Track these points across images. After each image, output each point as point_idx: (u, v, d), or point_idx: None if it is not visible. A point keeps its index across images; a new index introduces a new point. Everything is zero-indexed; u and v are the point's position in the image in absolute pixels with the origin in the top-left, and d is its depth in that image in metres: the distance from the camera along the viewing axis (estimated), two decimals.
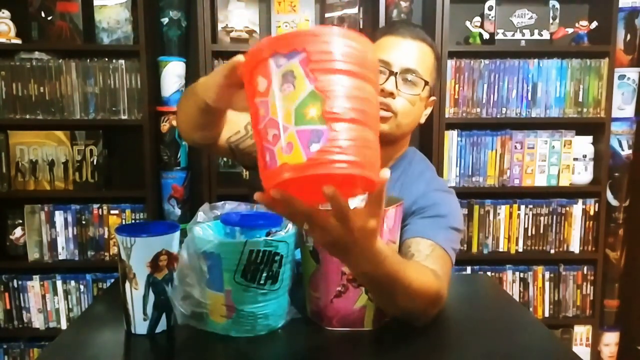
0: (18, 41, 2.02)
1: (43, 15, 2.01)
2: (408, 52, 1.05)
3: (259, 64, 0.56)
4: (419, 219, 1.00)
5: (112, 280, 1.45)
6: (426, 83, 1.06)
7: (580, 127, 2.15)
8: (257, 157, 0.58)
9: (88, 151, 2.07)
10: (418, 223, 0.99)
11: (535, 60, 2.10)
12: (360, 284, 0.84)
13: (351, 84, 0.55)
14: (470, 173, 2.13)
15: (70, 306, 2.12)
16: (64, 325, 2.13)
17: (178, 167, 2.12)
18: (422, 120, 1.13)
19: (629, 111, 2.16)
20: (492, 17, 2.07)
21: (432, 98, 1.13)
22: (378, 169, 0.58)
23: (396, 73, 1.03)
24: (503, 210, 2.15)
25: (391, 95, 1.02)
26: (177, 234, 0.85)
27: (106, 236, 2.10)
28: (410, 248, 0.94)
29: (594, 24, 2.09)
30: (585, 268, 2.19)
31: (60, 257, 2.09)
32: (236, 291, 0.82)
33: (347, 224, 0.61)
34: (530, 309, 2.19)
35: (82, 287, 2.11)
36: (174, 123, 2.08)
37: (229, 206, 0.94)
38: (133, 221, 2.10)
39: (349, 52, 0.55)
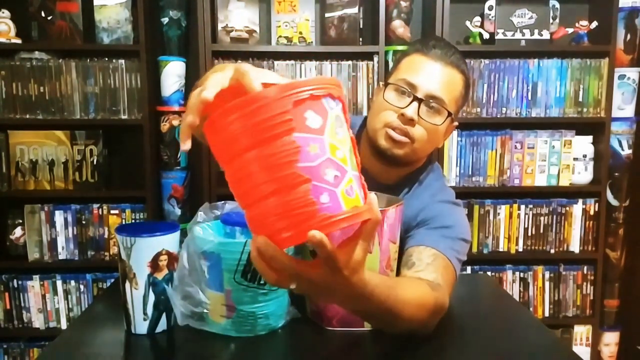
0: (18, 41, 2.02)
1: (43, 15, 2.01)
2: (437, 78, 0.99)
3: (306, 100, 0.53)
4: (423, 230, 0.97)
5: (112, 280, 1.45)
6: (449, 114, 1.00)
7: (580, 127, 2.15)
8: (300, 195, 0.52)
9: (88, 151, 2.07)
10: (422, 233, 0.97)
11: (535, 60, 2.10)
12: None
13: None
14: (470, 173, 2.13)
15: (70, 306, 2.12)
16: (64, 325, 2.13)
17: (178, 167, 2.12)
18: (441, 144, 1.08)
19: (629, 111, 2.16)
20: (492, 17, 2.07)
21: (455, 123, 1.07)
22: None
23: (421, 100, 0.97)
24: (503, 210, 2.15)
25: (411, 122, 0.97)
26: (177, 234, 0.85)
27: (106, 236, 2.10)
28: (411, 257, 0.92)
29: (594, 24, 2.08)
30: (585, 268, 2.19)
31: (60, 257, 2.09)
32: (236, 291, 0.82)
33: (336, 265, 0.56)
34: (530, 309, 2.19)
35: (82, 287, 2.11)
36: (174, 123, 2.08)
37: (229, 206, 0.94)
38: (133, 221, 2.10)
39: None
